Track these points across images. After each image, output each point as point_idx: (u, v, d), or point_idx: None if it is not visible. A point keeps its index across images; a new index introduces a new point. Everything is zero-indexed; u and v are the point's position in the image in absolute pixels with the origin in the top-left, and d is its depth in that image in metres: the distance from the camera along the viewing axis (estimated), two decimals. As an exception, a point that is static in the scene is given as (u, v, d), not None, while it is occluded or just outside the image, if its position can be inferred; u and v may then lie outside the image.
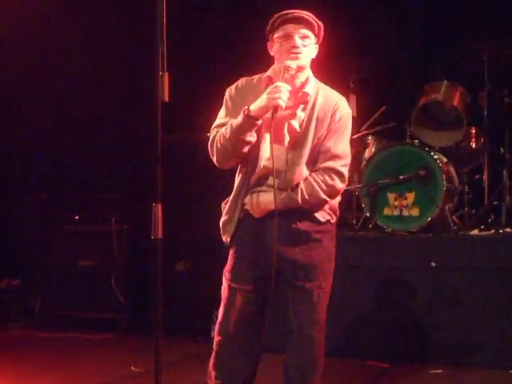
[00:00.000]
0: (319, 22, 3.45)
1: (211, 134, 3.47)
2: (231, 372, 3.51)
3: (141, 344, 5.66)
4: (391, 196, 5.78)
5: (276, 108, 3.24)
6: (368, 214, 5.86)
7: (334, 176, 3.42)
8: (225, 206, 3.57)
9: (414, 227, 5.68)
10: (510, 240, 5.47)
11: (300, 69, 3.39)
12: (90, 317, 6.60)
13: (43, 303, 7.05)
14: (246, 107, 3.29)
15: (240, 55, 6.37)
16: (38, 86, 7.39)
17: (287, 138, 3.41)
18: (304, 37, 3.39)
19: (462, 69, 6.18)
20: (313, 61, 3.50)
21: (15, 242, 7.69)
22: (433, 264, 5.33)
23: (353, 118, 6.18)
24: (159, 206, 2.89)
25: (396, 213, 5.76)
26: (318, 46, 3.49)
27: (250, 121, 3.29)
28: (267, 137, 3.37)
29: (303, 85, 3.45)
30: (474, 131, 6.04)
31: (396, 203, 5.76)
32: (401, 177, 5.71)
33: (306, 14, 3.41)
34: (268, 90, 3.30)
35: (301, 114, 3.43)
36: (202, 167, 6.50)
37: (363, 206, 5.90)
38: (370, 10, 6.83)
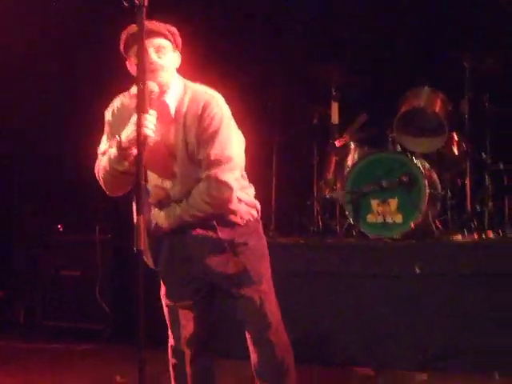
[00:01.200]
0: (171, 29, 3.24)
1: (97, 161, 3.34)
2: None
3: (125, 354, 5.60)
4: (374, 203, 5.79)
5: (145, 137, 2.99)
6: (351, 221, 5.87)
7: (216, 186, 3.20)
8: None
9: (397, 234, 5.70)
10: (492, 245, 5.51)
11: (162, 86, 3.18)
12: (75, 327, 6.57)
13: (28, 314, 7.02)
14: (118, 138, 3.15)
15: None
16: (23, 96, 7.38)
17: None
18: (158, 49, 3.18)
19: (444, 76, 6.21)
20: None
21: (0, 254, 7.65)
22: (417, 270, 5.34)
23: (335, 125, 6.37)
24: (141, 217, 2.87)
25: (379, 219, 5.78)
26: (179, 53, 3.29)
27: (122, 152, 3.14)
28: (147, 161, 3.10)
29: (162, 94, 3.22)
30: (455, 137, 6.07)
31: (379, 209, 5.78)
32: (384, 183, 5.72)
33: (155, 25, 3.18)
34: (132, 118, 3.09)
35: (166, 127, 3.23)
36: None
37: (347, 213, 5.90)
38: (352, 17, 6.86)
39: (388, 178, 5.72)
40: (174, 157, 3.26)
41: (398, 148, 5.94)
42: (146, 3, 2.87)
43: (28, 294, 7.07)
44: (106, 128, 3.37)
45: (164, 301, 3.49)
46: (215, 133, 3.21)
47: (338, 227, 6.12)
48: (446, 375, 5.09)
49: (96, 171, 3.35)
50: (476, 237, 5.69)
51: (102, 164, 3.28)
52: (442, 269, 5.33)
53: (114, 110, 3.37)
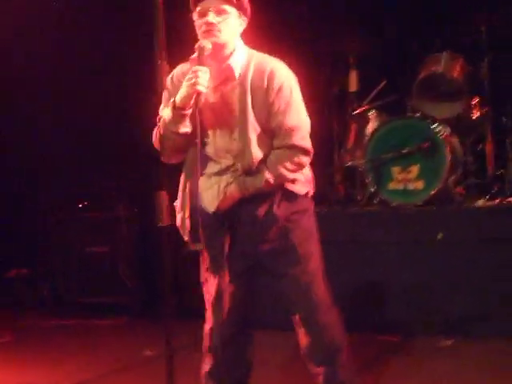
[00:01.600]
0: None
1: (155, 128, 3.35)
2: (230, 373, 3.43)
3: (153, 328, 5.65)
4: (395, 170, 5.78)
5: (198, 94, 3.09)
6: (373, 190, 5.86)
7: (296, 152, 3.23)
8: (177, 205, 3.38)
9: (419, 200, 5.68)
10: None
11: (219, 46, 3.18)
12: (102, 303, 6.62)
13: (54, 291, 7.08)
14: (173, 99, 3.18)
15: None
16: (36, 80, 7.41)
17: (226, 119, 3.26)
18: (219, 12, 3.16)
19: (462, 40, 6.15)
20: (246, 32, 3.31)
21: (24, 231, 7.72)
22: (439, 236, 5.34)
23: (354, 93, 6.34)
24: (163, 193, 2.89)
25: (401, 187, 5.77)
26: (245, 19, 3.27)
27: (177, 112, 3.16)
28: (208, 125, 3.25)
29: (227, 58, 3.23)
30: (475, 102, 6.03)
31: (400, 177, 5.77)
32: (404, 150, 5.71)
33: None
34: (187, 76, 3.15)
35: (230, 92, 3.24)
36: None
37: (367, 181, 5.90)
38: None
39: (408, 145, 5.70)
40: (237, 122, 3.24)
41: (418, 114, 5.90)
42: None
43: (53, 272, 7.12)
44: (165, 95, 3.35)
45: (205, 277, 3.40)
46: (288, 102, 3.22)
47: (359, 196, 6.11)
48: (470, 340, 5.11)
49: (153, 139, 3.35)
50: (498, 201, 5.66)
51: (156, 130, 3.30)
52: (464, 234, 5.33)
53: (173, 77, 3.37)
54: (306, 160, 3.29)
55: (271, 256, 3.31)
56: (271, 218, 3.27)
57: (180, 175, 3.38)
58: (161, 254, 2.92)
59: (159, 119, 3.31)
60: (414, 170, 5.72)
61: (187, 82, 3.12)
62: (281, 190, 3.29)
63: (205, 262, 3.41)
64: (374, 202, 5.90)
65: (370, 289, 5.50)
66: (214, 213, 3.28)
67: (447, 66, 5.90)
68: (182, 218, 3.34)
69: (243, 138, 3.22)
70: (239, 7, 3.23)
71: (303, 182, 3.35)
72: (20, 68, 7.36)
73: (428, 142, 5.64)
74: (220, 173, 3.30)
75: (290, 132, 3.22)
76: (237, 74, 3.24)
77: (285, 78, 3.24)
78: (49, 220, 7.21)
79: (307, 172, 3.40)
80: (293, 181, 3.30)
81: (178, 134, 3.21)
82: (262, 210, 3.27)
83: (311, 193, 3.42)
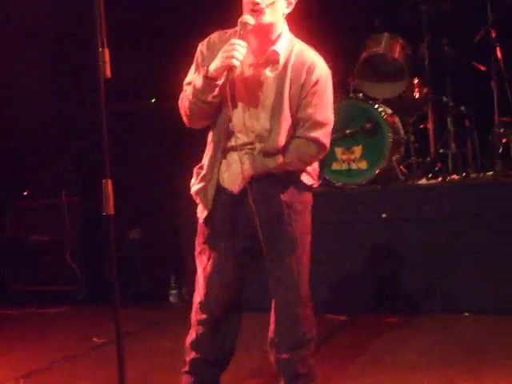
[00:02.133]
0: None
1: (182, 92, 3.33)
2: (213, 349, 3.45)
3: (100, 315, 5.65)
4: (339, 150, 5.82)
5: (230, 67, 3.08)
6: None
7: (317, 147, 3.27)
8: (199, 172, 3.39)
9: (362, 180, 5.75)
10: (457, 187, 5.60)
11: (263, 26, 3.16)
12: (47, 291, 6.57)
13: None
14: (206, 67, 3.15)
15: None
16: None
17: (259, 98, 3.24)
18: None
19: (401, 21, 6.22)
20: (289, 18, 3.27)
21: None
22: (383, 215, 5.42)
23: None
24: (109, 181, 2.87)
25: (344, 167, 5.82)
26: (292, 1, 3.20)
27: (208, 82, 3.13)
28: (238, 100, 3.23)
29: (273, 42, 3.22)
30: (416, 81, 6.11)
31: (344, 157, 5.82)
32: (347, 131, 5.75)
33: None
34: (224, 47, 3.12)
35: (270, 75, 3.23)
36: (149, 134, 6.58)
37: (312, 162, 5.93)
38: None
39: (351, 126, 5.75)
40: (269, 105, 3.22)
41: (360, 95, 5.96)
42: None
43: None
44: (198, 59, 3.32)
45: (200, 249, 3.41)
46: (321, 97, 3.24)
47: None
48: (416, 315, 5.22)
49: (179, 102, 3.33)
50: (440, 179, 5.76)
51: (185, 94, 3.27)
52: (408, 213, 5.41)
53: (209, 42, 3.32)
54: (321, 154, 3.35)
55: (270, 240, 3.28)
56: (277, 202, 3.29)
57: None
58: (107, 242, 2.90)
59: (187, 84, 3.30)
60: (358, 150, 5.78)
61: (223, 54, 3.10)
62: (290, 177, 3.31)
63: (202, 235, 3.41)
64: (319, 182, 5.93)
65: (316, 268, 5.53)
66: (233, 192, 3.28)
67: (388, 46, 5.96)
68: (202, 187, 3.34)
69: (273, 122, 3.22)
70: None
71: (311, 173, 3.39)
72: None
73: (370, 123, 5.70)
74: (235, 148, 3.26)
75: (316, 126, 3.24)
76: (282, 61, 3.22)
77: (323, 73, 3.25)
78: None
79: (315, 165, 3.43)
80: (303, 171, 3.35)
81: (206, 102, 3.18)
82: (269, 193, 3.28)
83: (315, 185, 3.45)
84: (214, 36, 3.34)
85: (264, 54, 3.23)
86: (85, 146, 6.72)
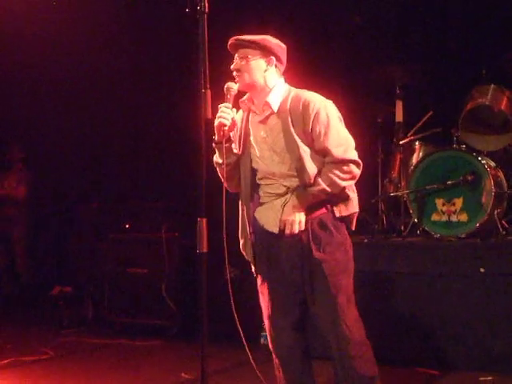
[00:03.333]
0: (254, 39, 3.59)
1: None
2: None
3: (191, 351, 5.71)
4: (439, 201, 5.75)
5: (223, 126, 3.51)
6: (416, 220, 5.84)
7: (345, 163, 3.52)
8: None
9: (462, 233, 5.65)
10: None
11: (250, 86, 3.61)
12: (141, 323, 6.68)
13: (95, 310, 7.16)
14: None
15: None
16: (87, 100, 7.57)
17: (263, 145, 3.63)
18: (243, 57, 3.59)
19: (509, 72, 6.11)
20: (293, 69, 3.75)
21: (67, 251, 7.83)
22: (482, 270, 5.29)
23: (400, 123, 6.33)
24: (204, 220, 2.94)
25: (444, 218, 5.74)
26: (272, 58, 3.62)
27: (217, 146, 3.59)
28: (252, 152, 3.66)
29: (267, 94, 3.63)
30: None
31: (444, 209, 5.74)
32: (448, 182, 5.68)
33: (235, 39, 3.60)
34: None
35: (275, 122, 3.60)
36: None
37: (411, 211, 5.88)
38: (414, 15, 6.83)
39: (453, 177, 5.67)
40: (286, 148, 3.56)
41: (464, 146, 5.88)
42: (206, 10, 3.00)
43: (96, 291, 7.19)
44: None
45: (261, 290, 3.73)
46: (326, 125, 3.53)
47: (402, 226, 6.08)
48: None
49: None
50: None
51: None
52: (508, 269, 5.27)
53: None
54: (355, 169, 3.56)
55: (306, 281, 3.53)
56: (302, 244, 3.54)
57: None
58: (199, 279, 2.96)
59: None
60: (458, 202, 5.69)
61: (216, 119, 3.52)
62: (321, 219, 3.54)
63: (258, 285, 3.74)
64: (417, 232, 5.87)
65: (410, 321, 5.46)
66: (274, 233, 3.56)
67: (494, 98, 5.87)
68: (243, 244, 3.72)
69: (296, 159, 3.52)
70: (261, 49, 3.60)
71: (346, 203, 3.62)
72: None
73: (473, 175, 5.61)
74: (271, 196, 3.62)
75: (334, 148, 3.52)
76: (275, 108, 3.61)
77: (319, 104, 3.56)
78: (95, 239, 7.30)
79: (353, 194, 3.65)
80: (335, 201, 3.58)
81: (222, 164, 3.57)
82: (300, 240, 3.53)
83: (354, 214, 3.67)
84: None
85: (264, 109, 3.64)
86: (185, 183, 6.86)
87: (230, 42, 3.63)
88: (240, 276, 6.46)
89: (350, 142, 3.60)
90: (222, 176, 3.63)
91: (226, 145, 3.55)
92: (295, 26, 6.78)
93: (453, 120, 5.97)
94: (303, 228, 3.49)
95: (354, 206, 3.66)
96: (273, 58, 3.63)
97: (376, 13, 6.70)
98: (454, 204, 5.70)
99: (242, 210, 3.69)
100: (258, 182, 3.64)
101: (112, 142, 7.82)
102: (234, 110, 3.57)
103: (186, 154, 7.03)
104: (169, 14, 6.75)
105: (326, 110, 3.55)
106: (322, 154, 3.54)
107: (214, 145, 3.60)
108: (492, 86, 5.90)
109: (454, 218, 5.70)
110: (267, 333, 3.74)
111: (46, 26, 7.42)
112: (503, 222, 5.81)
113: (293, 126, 3.54)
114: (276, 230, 3.54)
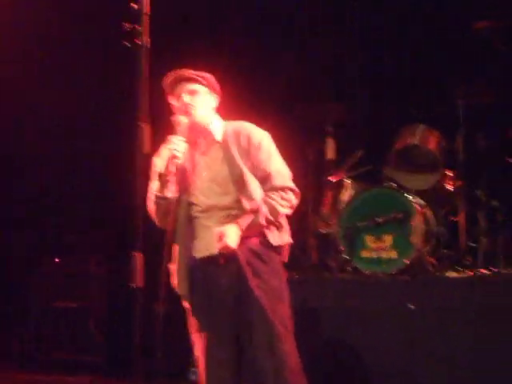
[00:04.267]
0: (204, 75, 3.72)
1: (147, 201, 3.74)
2: None
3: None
4: (369, 238, 5.81)
5: (174, 159, 3.53)
6: (346, 257, 5.89)
7: (285, 190, 3.65)
8: (174, 269, 3.71)
9: (392, 269, 5.71)
10: (486, 282, 5.54)
11: (197, 122, 3.67)
12: (70, 359, 6.55)
13: (22, 344, 6.99)
14: (159, 170, 3.61)
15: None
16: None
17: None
18: (192, 92, 3.68)
19: (438, 112, 6.26)
20: (220, 106, 3.81)
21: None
22: (411, 307, 5.35)
23: (330, 161, 6.41)
24: (139, 255, 2.91)
25: (374, 255, 5.79)
26: (216, 95, 3.79)
27: (162, 179, 3.59)
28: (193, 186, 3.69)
29: (206, 128, 3.73)
30: (450, 174, 6.11)
31: (374, 246, 5.80)
32: (378, 219, 5.75)
33: (189, 72, 3.70)
34: (164, 146, 3.63)
35: (218, 152, 3.69)
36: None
37: (341, 248, 5.92)
38: (344, 57, 6.96)
39: (383, 215, 5.74)
40: (229, 176, 3.64)
41: (394, 184, 5.97)
42: (148, 45, 3.01)
43: (22, 325, 7.03)
44: (155, 171, 3.73)
45: (195, 334, 3.71)
46: (269, 153, 3.70)
47: (333, 262, 6.12)
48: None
49: (148, 207, 3.70)
50: (470, 273, 5.70)
51: (150, 197, 3.69)
52: (436, 304, 5.34)
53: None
54: (293, 198, 3.69)
55: (236, 313, 3.53)
56: (242, 278, 3.53)
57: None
58: (132, 314, 2.92)
59: (150, 190, 3.69)
60: (388, 239, 5.76)
61: (164, 151, 3.61)
62: (255, 248, 3.58)
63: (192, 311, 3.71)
64: (348, 269, 5.92)
65: (341, 355, 5.48)
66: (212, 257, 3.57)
67: (422, 138, 5.99)
68: (178, 279, 3.70)
69: (241, 186, 3.59)
70: (208, 85, 3.74)
71: (280, 232, 3.67)
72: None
73: (402, 213, 5.69)
74: (208, 228, 3.62)
75: (276, 175, 3.66)
76: (218, 138, 3.72)
77: (261, 134, 3.74)
78: (20, 273, 7.16)
79: (285, 224, 3.72)
80: (271, 229, 3.63)
81: (164, 198, 3.58)
82: (230, 261, 3.54)
83: (286, 245, 3.72)
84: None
85: (204, 141, 3.74)
86: (117, 215, 6.80)
87: (174, 75, 3.67)
88: (170, 310, 6.42)
89: (288, 172, 3.75)
90: (157, 210, 3.64)
91: (171, 178, 3.57)
92: (229, 57, 6.85)
93: (384, 158, 6.07)
94: (235, 246, 3.51)
95: (287, 237, 3.73)
96: (216, 95, 3.77)
97: (311, 47, 6.80)
98: (384, 241, 5.76)
99: (178, 246, 3.68)
100: (194, 215, 3.66)
101: (46, 165, 7.68)
102: (182, 139, 3.61)
103: (119, 187, 7.05)
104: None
105: (268, 140, 3.73)
106: (263, 182, 3.65)
107: (158, 178, 3.61)
108: (421, 125, 6.02)
109: (383, 255, 5.76)
110: (200, 367, 3.66)
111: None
112: (432, 259, 5.91)
113: (238, 154, 3.64)
114: (214, 251, 3.55)
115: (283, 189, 3.66)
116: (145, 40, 3.07)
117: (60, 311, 6.72)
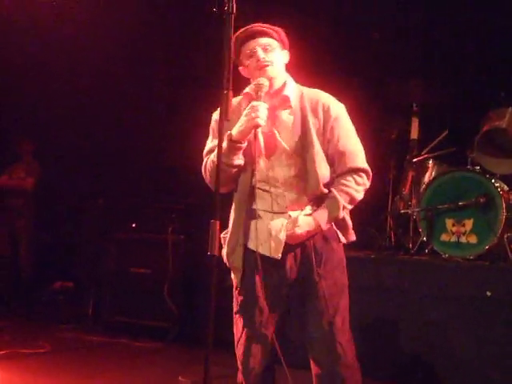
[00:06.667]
0: (275, 28, 3.40)
1: (203, 161, 3.44)
2: None
3: (189, 355, 5.69)
4: (449, 222, 5.71)
5: (256, 128, 3.22)
6: (425, 239, 5.80)
7: (361, 174, 3.36)
8: (225, 237, 3.41)
9: (470, 254, 5.60)
10: None
11: (273, 79, 3.34)
12: (141, 324, 6.62)
13: (96, 308, 7.11)
14: (229, 132, 3.25)
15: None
16: (100, 96, 7.58)
17: (282, 149, 3.34)
18: (265, 48, 3.33)
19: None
20: (289, 65, 3.45)
21: (71, 247, 7.80)
22: (488, 293, 5.23)
23: (414, 140, 6.29)
24: (217, 222, 2.89)
25: (453, 239, 5.70)
26: (287, 50, 3.42)
27: (233, 145, 3.26)
28: (259, 155, 3.33)
29: (281, 89, 3.39)
30: (537, 160, 5.94)
31: (454, 229, 5.70)
32: (460, 203, 5.64)
33: (260, 26, 3.37)
34: (245, 111, 3.27)
35: (289, 118, 3.36)
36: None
37: (420, 230, 5.83)
38: (436, 34, 6.80)
39: (465, 198, 5.63)
40: (297, 147, 3.33)
41: (478, 168, 5.83)
42: (234, 10, 2.95)
43: (97, 289, 7.15)
44: (214, 128, 3.45)
45: (236, 321, 3.48)
46: (347, 129, 3.38)
47: (410, 244, 6.03)
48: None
49: (203, 171, 3.44)
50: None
51: (209, 160, 3.37)
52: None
53: None
54: (367, 181, 3.40)
55: (299, 300, 3.38)
56: (307, 264, 3.35)
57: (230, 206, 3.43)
58: (208, 281, 2.91)
59: (208, 152, 3.43)
60: (469, 223, 5.65)
61: (246, 117, 3.24)
62: (326, 233, 3.36)
63: (236, 303, 3.47)
64: (425, 251, 5.82)
65: (411, 339, 5.40)
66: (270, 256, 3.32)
67: (511, 121, 5.82)
68: (229, 252, 3.41)
69: (308, 160, 3.31)
70: (280, 40, 3.39)
71: (348, 229, 3.45)
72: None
73: (485, 197, 5.56)
74: (269, 210, 3.35)
75: (353, 156, 3.35)
76: (293, 104, 3.37)
77: (339, 108, 3.40)
78: (100, 236, 7.27)
79: (349, 222, 3.46)
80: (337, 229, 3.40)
81: (231, 165, 3.29)
82: (299, 256, 3.35)
83: (352, 239, 3.48)
84: None
85: (277, 103, 3.36)
86: (194, 186, 6.83)
87: (249, 28, 3.34)
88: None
89: (363, 152, 3.43)
90: (225, 177, 3.24)
91: (244, 145, 3.27)
92: (317, 30, 6.78)
93: (468, 140, 5.93)
94: (303, 240, 3.32)
95: (353, 234, 3.49)
96: (287, 51, 3.43)
97: (398, 27, 6.66)
98: (463, 225, 5.65)
99: (236, 217, 3.41)
100: (257, 186, 3.33)
101: (123, 140, 7.80)
102: (267, 106, 3.28)
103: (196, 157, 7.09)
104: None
105: (345, 115, 3.41)
106: (332, 159, 3.34)
107: (227, 143, 3.24)
108: (510, 108, 5.86)
109: (463, 240, 5.65)
110: (238, 358, 3.50)
111: (55, 23, 7.41)
112: (512, 246, 5.76)
113: (313, 127, 3.32)
114: (277, 256, 3.31)
115: (357, 171, 3.34)
116: (232, 6, 3.01)
117: (135, 276, 6.78)
